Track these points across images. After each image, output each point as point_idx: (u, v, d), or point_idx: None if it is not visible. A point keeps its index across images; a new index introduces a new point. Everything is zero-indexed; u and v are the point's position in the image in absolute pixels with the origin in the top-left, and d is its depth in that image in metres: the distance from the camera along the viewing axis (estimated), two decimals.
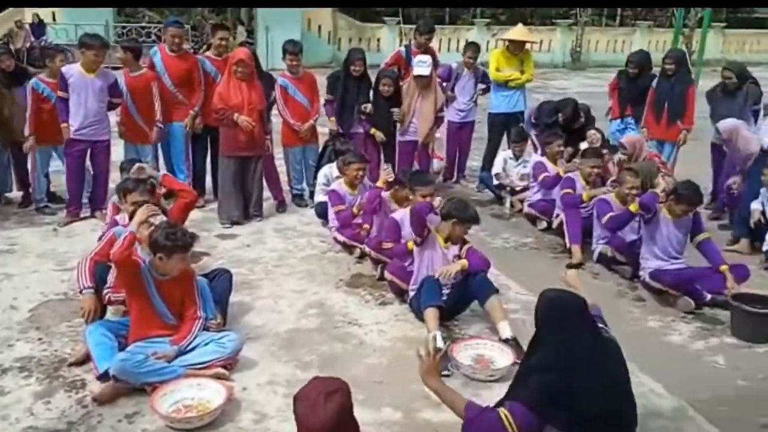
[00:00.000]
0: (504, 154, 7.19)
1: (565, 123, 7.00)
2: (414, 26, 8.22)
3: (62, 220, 6.07)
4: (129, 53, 6.21)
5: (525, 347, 3.02)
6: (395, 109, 6.55)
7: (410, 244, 4.58)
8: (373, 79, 6.68)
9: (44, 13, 17.30)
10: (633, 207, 5.07)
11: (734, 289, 4.53)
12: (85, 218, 6.13)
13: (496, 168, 7.10)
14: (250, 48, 6.69)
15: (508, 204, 6.87)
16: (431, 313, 4.10)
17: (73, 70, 5.83)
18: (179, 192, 4.62)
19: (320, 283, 5.00)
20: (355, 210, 5.50)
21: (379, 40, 20.28)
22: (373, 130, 6.56)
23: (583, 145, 6.61)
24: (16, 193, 6.61)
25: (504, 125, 7.45)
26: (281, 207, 6.64)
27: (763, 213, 5.57)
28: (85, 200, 6.24)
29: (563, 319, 2.57)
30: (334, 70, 6.93)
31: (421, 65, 6.49)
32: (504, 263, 5.27)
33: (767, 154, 5.73)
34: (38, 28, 16.64)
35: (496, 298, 4.16)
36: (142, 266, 3.64)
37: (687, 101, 6.90)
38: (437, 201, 4.62)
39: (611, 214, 5.30)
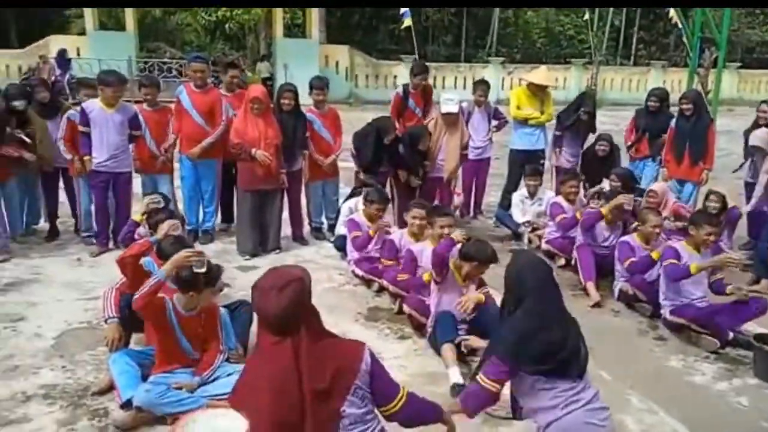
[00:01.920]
0: (518, 194, 7.12)
1: (588, 118, 7.38)
2: (428, 63, 8.27)
3: (94, 250, 6.18)
4: (155, 88, 6.40)
5: None
6: (427, 162, 6.64)
7: (426, 276, 4.61)
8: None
9: (69, 47, 17.69)
10: (655, 255, 5.06)
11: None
12: (110, 249, 6.19)
13: (515, 210, 7.05)
14: (268, 85, 6.81)
15: (526, 240, 6.87)
16: (448, 349, 4.11)
17: (94, 105, 5.97)
18: None
19: (339, 316, 5.01)
20: (371, 232, 5.58)
21: (395, 77, 20.52)
22: (404, 174, 6.61)
23: (606, 185, 6.62)
24: (43, 225, 6.71)
25: (525, 162, 7.43)
26: (301, 240, 6.70)
27: None
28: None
29: (538, 280, 2.83)
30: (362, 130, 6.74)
31: (449, 103, 6.49)
32: None
33: None
34: (63, 62, 16.98)
35: None
36: (166, 304, 3.63)
37: (708, 141, 6.91)
38: (457, 234, 4.44)
39: (632, 259, 5.27)
